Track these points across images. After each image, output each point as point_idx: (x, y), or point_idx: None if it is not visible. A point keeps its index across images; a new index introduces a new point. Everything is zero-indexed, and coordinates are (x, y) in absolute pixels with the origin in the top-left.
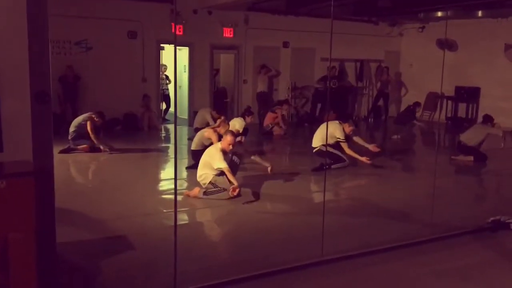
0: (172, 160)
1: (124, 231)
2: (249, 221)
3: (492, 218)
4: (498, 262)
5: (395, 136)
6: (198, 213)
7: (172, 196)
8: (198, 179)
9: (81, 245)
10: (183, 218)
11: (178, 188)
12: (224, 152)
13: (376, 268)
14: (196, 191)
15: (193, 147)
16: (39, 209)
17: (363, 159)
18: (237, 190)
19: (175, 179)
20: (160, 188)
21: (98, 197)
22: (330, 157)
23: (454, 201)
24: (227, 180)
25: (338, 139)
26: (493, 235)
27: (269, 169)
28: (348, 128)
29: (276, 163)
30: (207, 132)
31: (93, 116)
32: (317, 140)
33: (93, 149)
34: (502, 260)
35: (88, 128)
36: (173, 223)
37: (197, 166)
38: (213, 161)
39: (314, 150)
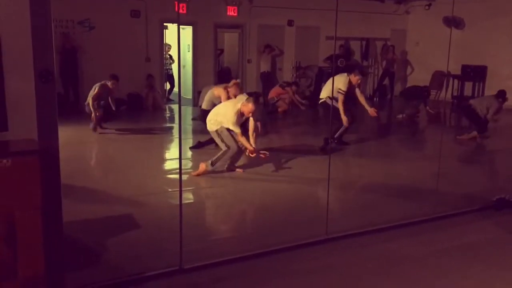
0: (177, 140)
1: (130, 210)
2: (253, 200)
3: (497, 197)
4: (501, 240)
5: (400, 116)
6: (203, 192)
7: (177, 176)
8: (207, 122)
9: (87, 224)
10: (188, 197)
11: (183, 167)
12: (240, 115)
13: (380, 247)
14: (202, 167)
15: (203, 106)
16: (45, 187)
17: (371, 110)
18: (254, 154)
19: (180, 158)
20: (165, 168)
21: (103, 177)
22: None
23: (459, 179)
24: (230, 137)
25: (339, 90)
26: (498, 213)
27: (247, 152)
28: (355, 78)
29: (281, 141)
30: (217, 91)
31: (107, 83)
32: (325, 92)
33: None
34: (506, 238)
35: (111, 87)
36: (178, 202)
37: (200, 146)
38: (226, 119)
39: (319, 101)
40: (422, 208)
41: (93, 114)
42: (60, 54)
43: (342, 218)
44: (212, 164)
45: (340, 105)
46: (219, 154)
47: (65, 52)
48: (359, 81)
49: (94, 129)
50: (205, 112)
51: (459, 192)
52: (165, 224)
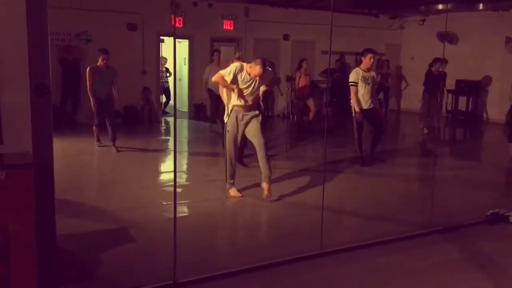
0: (172, 153)
1: (124, 223)
2: (248, 213)
3: (491, 211)
4: (494, 255)
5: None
6: (198, 205)
7: (172, 189)
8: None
9: (81, 237)
10: (183, 211)
11: (178, 180)
12: (244, 79)
13: (375, 260)
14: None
15: (209, 86)
16: (39, 200)
17: (354, 114)
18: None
19: (175, 171)
20: (161, 181)
21: (98, 189)
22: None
23: (453, 193)
24: (232, 141)
25: (350, 83)
26: (492, 228)
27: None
28: (367, 60)
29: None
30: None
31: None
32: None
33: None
34: (498, 254)
35: (101, 63)
36: (172, 215)
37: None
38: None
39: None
40: (418, 222)
41: (93, 106)
42: (62, 66)
43: (337, 232)
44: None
45: (352, 97)
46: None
47: (67, 64)
48: (371, 62)
49: (98, 140)
50: (211, 92)
51: (454, 206)
52: (159, 238)
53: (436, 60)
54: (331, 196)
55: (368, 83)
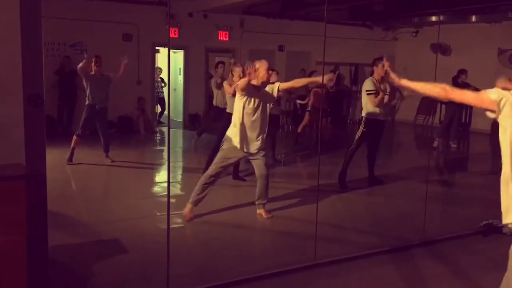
0: (167, 163)
1: (118, 234)
2: (242, 225)
3: (484, 222)
4: (486, 266)
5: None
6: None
7: (166, 199)
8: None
9: (74, 249)
10: (176, 221)
11: (172, 191)
12: (253, 89)
13: (368, 272)
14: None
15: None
16: (31, 212)
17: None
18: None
19: (168, 182)
20: (154, 191)
21: (91, 200)
22: None
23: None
24: (220, 161)
25: (368, 92)
26: (485, 238)
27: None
28: (379, 69)
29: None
30: (225, 86)
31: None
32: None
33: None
34: (491, 265)
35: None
36: (166, 226)
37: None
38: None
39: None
40: (411, 233)
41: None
42: (59, 76)
43: (331, 244)
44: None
45: (373, 105)
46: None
47: (64, 74)
48: (383, 74)
49: (70, 158)
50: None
51: (447, 219)
52: (153, 249)
53: (461, 71)
54: (325, 210)
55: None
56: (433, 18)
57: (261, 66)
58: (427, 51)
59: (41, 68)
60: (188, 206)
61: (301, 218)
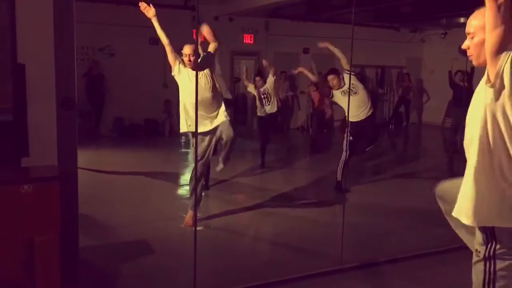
0: (192, 166)
1: (144, 235)
2: (267, 228)
3: None
4: None
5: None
6: (218, 218)
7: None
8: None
9: (102, 249)
10: (203, 224)
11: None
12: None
13: (396, 278)
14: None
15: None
16: (63, 212)
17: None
18: None
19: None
20: (181, 193)
21: (118, 202)
22: None
23: None
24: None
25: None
26: None
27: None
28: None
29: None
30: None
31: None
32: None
33: None
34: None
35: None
36: (193, 228)
37: None
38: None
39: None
40: (440, 238)
41: None
42: (86, 79)
43: (358, 248)
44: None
45: None
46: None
47: (92, 78)
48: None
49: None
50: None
51: None
52: (179, 250)
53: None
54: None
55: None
56: (462, 20)
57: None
58: (455, 54)
59: (73, 72)
60: (190, 213)
61: (327, 213)
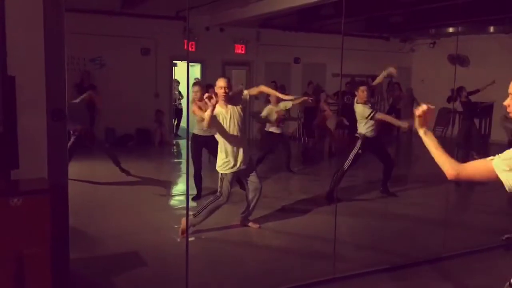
0: (184, 176)
1: (136, 246)
2: (260, 238)
3: (507, 236)
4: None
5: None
6: (210, 229)
7: (183, 211)
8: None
9: (94, 261)
10: (194, 235)
11: (190, 203)
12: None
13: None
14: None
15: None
16: (54, 225)
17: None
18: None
19: (187, 194)
20: (172, 203)
21: (109, 212)
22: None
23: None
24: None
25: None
26: (508, 252)
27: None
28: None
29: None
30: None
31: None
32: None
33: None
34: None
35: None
36: (184, 239)
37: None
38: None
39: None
40: (431, 247)
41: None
42: (77, 91)
43: (351, 257)
44: (195, 216)
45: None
46: (205, 204)
47: (83, 89)
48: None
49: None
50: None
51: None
52: (171, 261)
53: (460, 89)
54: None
55: None
56: (451, 29)
57: (216, 85)
58: (444, 63)
59: (64, 83)
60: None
61: (318, 224)
